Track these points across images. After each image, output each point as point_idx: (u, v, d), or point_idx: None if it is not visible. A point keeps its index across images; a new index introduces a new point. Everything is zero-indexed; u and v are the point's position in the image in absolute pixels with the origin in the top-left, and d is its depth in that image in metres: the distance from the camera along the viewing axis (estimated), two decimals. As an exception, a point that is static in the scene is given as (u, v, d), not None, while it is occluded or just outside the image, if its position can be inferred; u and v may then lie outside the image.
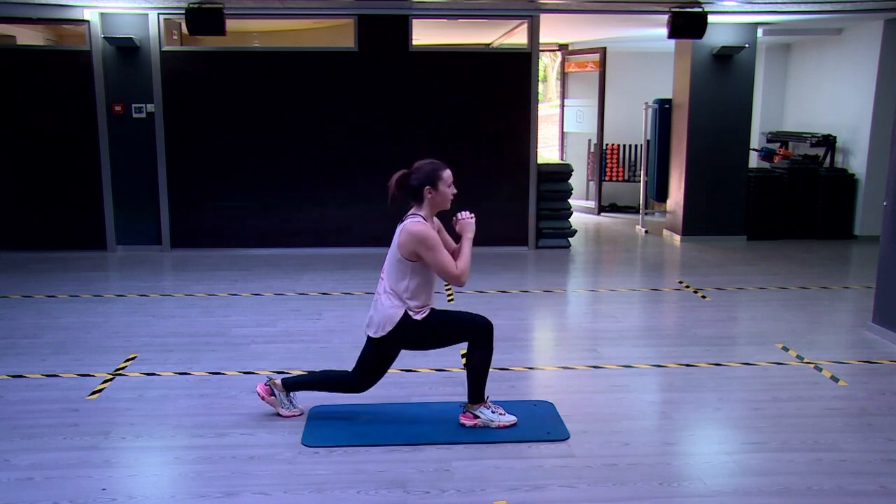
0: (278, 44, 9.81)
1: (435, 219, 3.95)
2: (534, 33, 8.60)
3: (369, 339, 3.98)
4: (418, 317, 3.85)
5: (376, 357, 4.01)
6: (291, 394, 4.17)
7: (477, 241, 3.95)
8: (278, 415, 4.13)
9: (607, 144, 11.77)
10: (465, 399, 4.08)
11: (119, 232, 8.65)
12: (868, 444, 3.87)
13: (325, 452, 3.75)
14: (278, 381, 4.15)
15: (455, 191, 3.92)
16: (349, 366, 4.95)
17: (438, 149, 7.70)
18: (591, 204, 11.78)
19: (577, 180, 10.64)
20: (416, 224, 3.81)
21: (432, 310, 3.92)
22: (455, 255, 3.90)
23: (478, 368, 3.95)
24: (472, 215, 3.97)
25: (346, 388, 4.15)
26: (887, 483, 3.46)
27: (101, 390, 4.55)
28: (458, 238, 3.97)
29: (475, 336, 3.93)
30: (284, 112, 8.57)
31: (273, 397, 4.13)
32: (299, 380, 4.17)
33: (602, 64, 11.32)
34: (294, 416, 4.13)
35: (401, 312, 3.84)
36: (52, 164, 8.47)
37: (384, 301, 3.88)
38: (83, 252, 8.53)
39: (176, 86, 8.45)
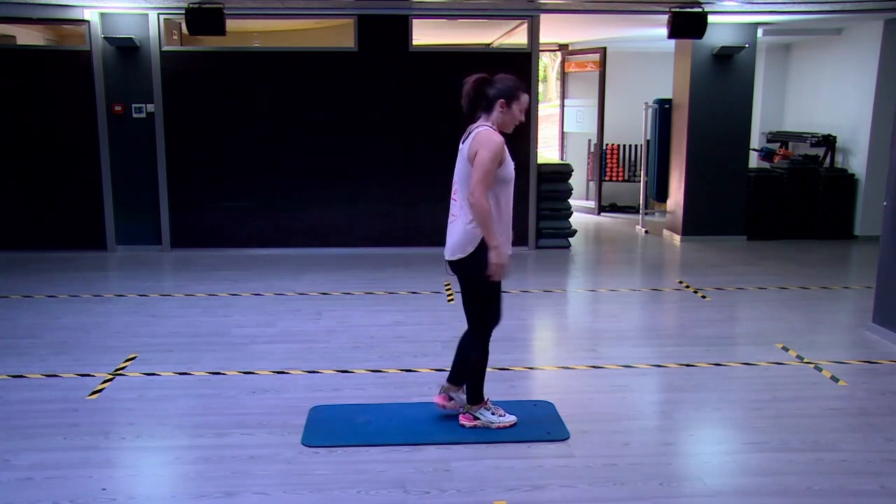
0: (278, 44, 9.81)
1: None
2: (534, 33, 8.60)
3: (453, 269, 3.76)
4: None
5: (472, 287, 3.80)
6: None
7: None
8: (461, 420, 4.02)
9: (607, 144, 11.77)
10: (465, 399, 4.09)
11: (119, 232, 8.65)
12: (868, 444, 3.87)
13: (325, 452, 3.75)
14: (471, 406, 3.99)
15: (524, 118, 3.79)
16: (350, 365, 4.98)
17: (439, 148, 7.69)
18: (591, 204, 11.78)
19: (577, 180, 10.63)
20: (489, 132, 3.65)
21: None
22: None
23: (475, 369, 3.94)
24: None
25: (486, 341, 3.90)
26: (887, 483, 3.47)
27: (101, 390, 4.55)
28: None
29: (483, 323, 3.86)
30: (284, 112, 8.57)
31: (453, 402, 4.05)
32: (468, 390, 4.00)
33: (602, 64, 11.32)
34: (511, 421, 4.00)
35: (480, 237, 3.66)
36: (52, 164, 8.47)
37: (463, 220, 3.70)
38: (83, 252, 8.53)
39: (176, 86, 8.45)
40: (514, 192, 3.88)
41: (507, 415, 4.04)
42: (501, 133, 3.74)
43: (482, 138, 3.66)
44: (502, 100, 3.70)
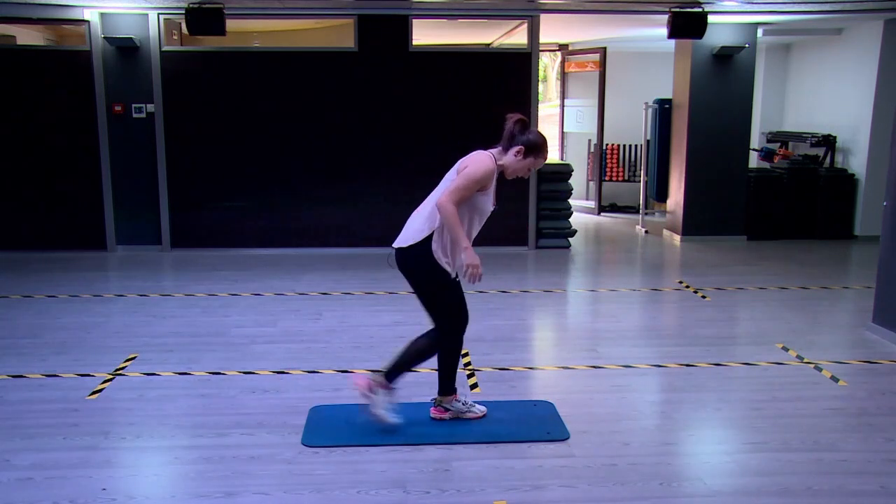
0: (278, 44, 9.81)
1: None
2: (534, 33, 8.60)
3: (399, 263, 3.81)
4: (436, 253, 3.73)
5: (421, 285, 3.84)
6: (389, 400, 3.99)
7: (477, 241, 3.91)
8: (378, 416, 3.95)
9: (607, 144, 11.77)
10: (465, 398, 4.13)
11: (119, 232, 8.65)
12: (868, 444, 3.87)
13: (325, 452, 3.75)
14: (381, 379, 3.94)
15: (526, 176, 3.90)
16: (350, 365, 4.98)
17: (438, 148, 7.70)
18: (591, 204, 11.78)
19: (577, 180, 10.64)
20: (490, 157, 3.73)
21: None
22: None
23: (447, 361, 3.98)
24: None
25: (455, 341, 3.94)
26: (887, 483, 3.46)
27: (101, 390, 4.55)
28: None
29: (448, 323, 3.90)
30: (284, 112, 8.57)
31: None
32: (395, 367, 3.96)
33: (602, 64, 11.32)
34: (389, 421, 3.94)
35: (425, 234, 3.73)
36: (52, 164, 8.47)
37: (418, 220, 3.79)
38: (83, 252, 8.53)
39: (176, 86, 8.45)
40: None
41: (476, 406, 4.12)
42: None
43: (478, 158, 3.75)
44: (524, 147, 3.75)
